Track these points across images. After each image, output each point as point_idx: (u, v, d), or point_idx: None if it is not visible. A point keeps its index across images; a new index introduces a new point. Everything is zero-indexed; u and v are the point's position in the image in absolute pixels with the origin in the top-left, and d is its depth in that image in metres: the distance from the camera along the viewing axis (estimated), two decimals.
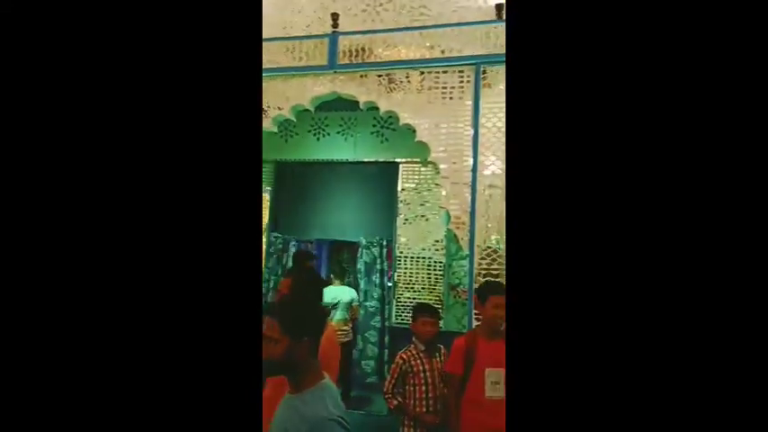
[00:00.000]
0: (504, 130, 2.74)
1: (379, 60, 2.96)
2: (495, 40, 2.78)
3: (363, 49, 2.99)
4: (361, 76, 2.99)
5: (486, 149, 2.76)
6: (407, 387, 2.19)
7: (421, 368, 2.17)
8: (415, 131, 2.88)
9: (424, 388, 2.15)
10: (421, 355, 2.20)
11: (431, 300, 3.93)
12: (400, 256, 4.15)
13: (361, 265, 4.44)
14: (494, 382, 1.83)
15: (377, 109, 3.00)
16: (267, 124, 3.08)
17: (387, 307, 4.31)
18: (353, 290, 4.19)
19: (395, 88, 2.93)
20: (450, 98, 2.84)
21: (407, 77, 2.91)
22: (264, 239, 4.53)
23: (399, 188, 4.23)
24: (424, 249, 4.11)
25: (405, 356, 2.22)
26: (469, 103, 2.80)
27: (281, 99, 3.08)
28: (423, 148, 2.90)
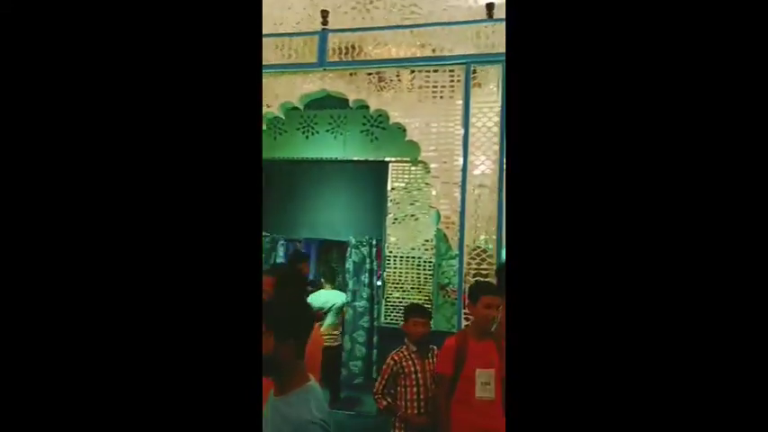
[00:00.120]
0: (494, 129, 2.74)
1: (369, 58, 2.94)
2: (486, 39, 2.78)
3: (353, 47, 2.96)
4: (351, 74, 2.96)
5: (476, 149, 2.76)
6: (399, 388, 2.17)
7: (412, 369, 2.16)
8: (405, 130, 2.87)
9: (415, 389, 2.13)
10: (413, 355, 2.19)
11: (420, 299, 3.93)
12: (389, 256, 4.14)
13: (349, 265, 4.41)
14: (484, 383, 1.82)
15: (367, 107, 2.98)
16: None
17: (376, 307, 4.29)
18: (344, 294, 4.17)
19: (385, 87, 2.91)
20: (441, 97, 2.83)
21: (398, 76, 2.90)
22: None
23: (389, 187, 4.21)
24: (413, 249, 4.10)
25: (396, 357, 2.21)
26: (460, 102, 2.80)
27: (270, 96, 3.04)
28: (413, 147, 2.89)
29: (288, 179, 4.55)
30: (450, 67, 2.83)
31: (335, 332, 3.97)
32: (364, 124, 4.30)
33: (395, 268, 4.12)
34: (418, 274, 4.07)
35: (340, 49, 2.97)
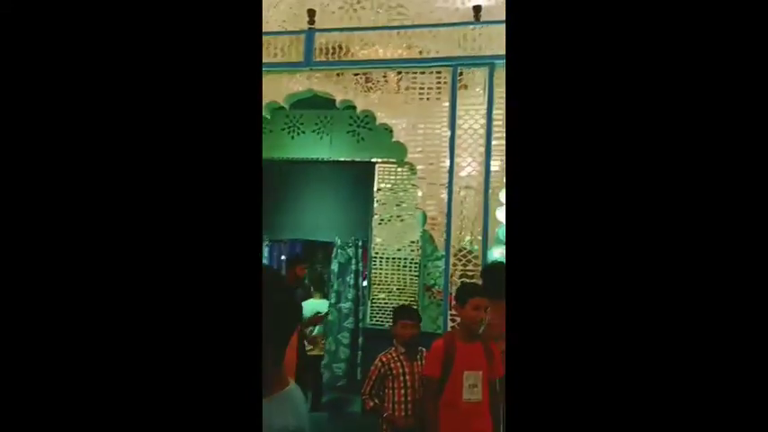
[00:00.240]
0: (480, 132, 2.76)
1: (355, 59, 2.93)
2: (473, 42, 2.80)
3: (340, 47, 2.95)
4: (338, 75, 2.95)
5: (462, 151, 2.78)
6: (387, 390, 2.17)
7: (400, 371, 2.16)
8: (391, 131, 2.86)
9: (402, 391, 2.13)
10: (401, 357, 2.19)
11: (406, 300, 3.93)
12: (375, 257, 4.13)
13: (335, 266, 4.39)
14: (471, 385, 1.83)
15: (353, 108, 2.97)
16: None
17: (361, 308, 4.28)
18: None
19: (372, 87, 2.90)
20: (428, 99, 2.84)
21: (384, 77, 2.89)
22: None
23: (375, 188, 4.20)
24: (399, 250, 4.10)
25: (384, 359, 2.20)
26: (446, 104, 2.81)
27: None
28: (399, 148, 2.89)
29: (273, 180, 4.51)
30: (437, 69, 2.84)
31: (323, 342, 3.96)
32: (351, 125, 4.28)
33: (381, 269, 4.11)
34: (404, 275, 4.07)
35: (327, 48, 2.95)
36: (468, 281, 2.50)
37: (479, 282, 2.41)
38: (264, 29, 3.04)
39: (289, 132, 4.45)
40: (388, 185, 4.18)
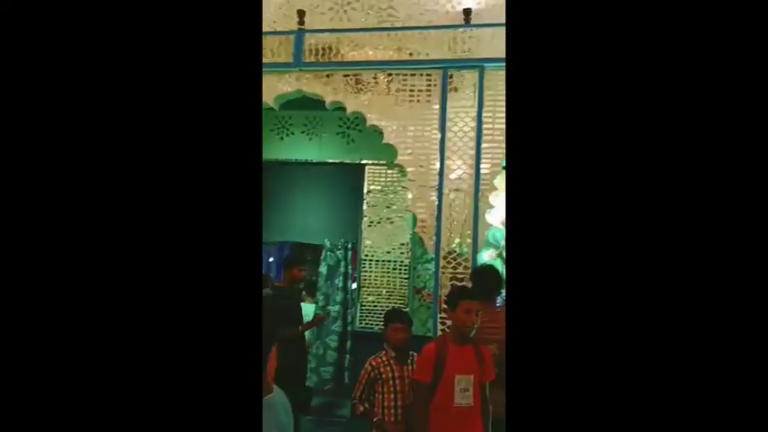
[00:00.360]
0: (470, 134, 2.77)
1: (345, 60, 2.91)
2: (463, 44, 2.80)
3: (330, 48, 2.93)
4: (328, 76, 2.93)
5: (452, 153, 2.77)
6: (376, 395, 2.14)
7: (390, 375, 2.13)
8: (382, 133, 2.85)
9: (392, 395, 2.11)
10: (391, 361, 2.16)
11: (395, 303, 3.91)
12: (365, 260, 4.11)
13: (323, 269, 4.35)
14: (463, 389, 1.81)
15: (343, 109, 2.95)
16: None
17: (350, 311, 4.25)
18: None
19: (362, 89, 2.89)
20: (418, 101, 2.83)
21: (375, 78, 2.88)
22: None
23: (365, 190, 4.18)
24: (389, 252, 4.08)
25: (374, 363, 2.17)
26: (437, 106, 2.81)
27: None
28: (389, 150, 2.88)
29: (262, 181, 4.45)
30: (428, 72, 2.84)
31: (310, 348, 3.92)
32: (340, 126, 4.26)
33: (370, 272, 4.09)
34: (394, 277, 4.06)
35: (316, 49, 2.93)
36: (461, 284, 2.49)
37: (469, 284, 2.40)
38: None
39: (278, 133, 4.41)
40: (378, 187, 4.16)
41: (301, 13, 2.96)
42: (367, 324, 4.06)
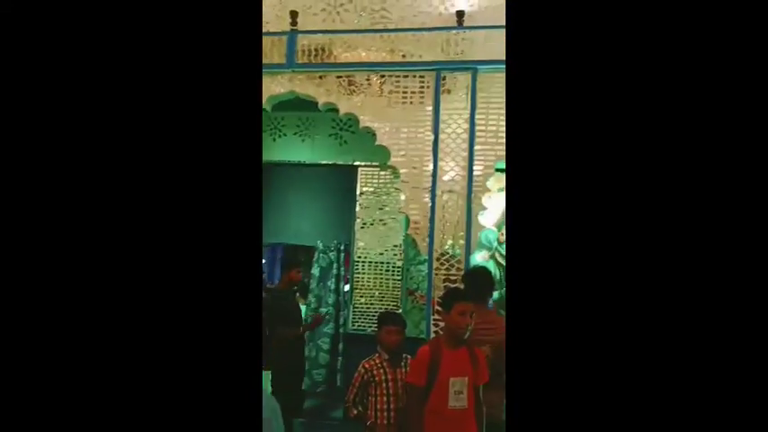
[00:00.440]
0: (463, 136, 2.77)
1: (338, 62, 2.90)
2: (455, 47, 2.80)
3: (323, 50, 2.92)
4: (321, 77, 2.92)
5: (445, 155, 2.78)
6: (369, 397, 2.13)
7: (383, 378, 2.12)
8: (374, 135, 2.85)
9: (385, 398, 2.10)
10: (384, 364, 2.15)
11: (388, 305, 3.90)
12: (358, 261, 4.10)
13: (316, 270, 4.33)
14: (457, 392, 1.81)
15: (336, 111, 2.94)
16: None
17: (342, 313, 4.23)
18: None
19: (355, 90, 2.88)
20: (411, 103, 2.83)
21: (368, 80, 2.88)
22: None
23: (358, 192, 4.17)
24: (381, 254, 4.07)
25: (367, 365, 2.16)
26: (430, 108, 2.81)
27: None
28: (382, 151, 2.87)
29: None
30: (421, 74, 2.84)
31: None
32: (333, 128, 4.25)
33: (363, 273, 4.08)
34: (387, 279, 4.05)
35: (309, 51, 2.92)
36: (454, 286, 2.49)
37: (461, 286, 2.41)
38: None
39: (270, 134, 4.38)
40: (371, 189, 4.16)
41: (294, 14, 2.95)
42: (360, 326, 4.05)
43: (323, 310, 4.24)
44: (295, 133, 4.33)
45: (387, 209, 4.10)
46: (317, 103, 2.94)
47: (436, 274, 2.73)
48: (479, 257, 3.38)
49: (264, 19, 3.01)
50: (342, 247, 4.33)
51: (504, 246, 3.45)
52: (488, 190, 2.80)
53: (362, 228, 4.12)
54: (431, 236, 2.73)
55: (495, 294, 3.11)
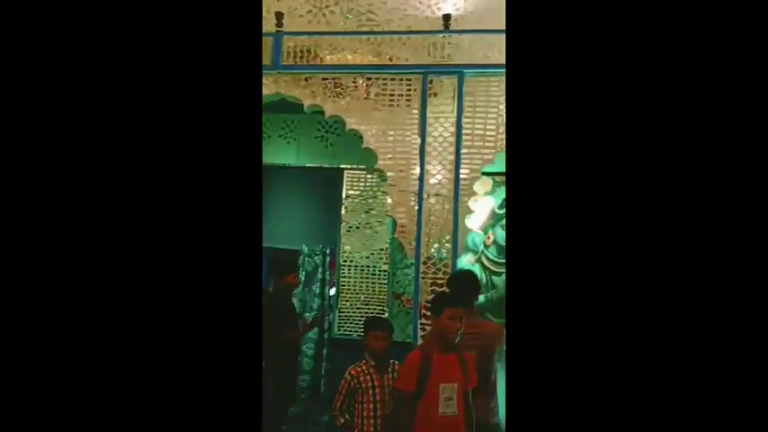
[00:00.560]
0: (450, 139, 2.77)
1: (324, 63, 2.88)
2: (442, 50, 2.81)
3: (309, 51, 2.89)
4: (306, 79, 2.89)
5: (432, 158, 2.77)
6: (356, 404, 2.10)
7: (370, 384, 2.09)
8: (361, 138, 2.83)
9: (372, 405, 2.07)
10: (371, 370, 2.12)
11: (374, 309, 3.88)
12: (343, 265, 4.06)
13: (301, 275, 4.28)
14: (447, 398, 1.79)
15: (322, 113, 2.91)
16: None
17: (327, 318, 4.19)
18: None
19: (341, 93, 2.86)
20: (398, 105, 2.82)
21: (354, 82, 2.86)
22: None
23: (344, 195, 4.14)
24: (367, 258, 4.05)
25: (354, 372, 2.13)
26: (416, 111, 2.80)
27: None
28: (368, 154, 2.85)
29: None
30: (407, 77, 2.83)
31: None
32: (319, 130, 4.21)
33: (349, 278, 4.05)
34: (373, 283, 4.02)
35: (295, 52, 2.89)
36: (442, 290, 2.48)
37: (446, 290, 2.40)
38: None
39: None
40: (357, 192, 4.13)
41: (279, 16, 2.91)
42: (345, 331, 4.01)
43: (307, 315, 4.18)
44: (280, 135, 4.28)
45: (373, 212, 4.08)
46: (302, 105, 2.91)
47: (423, 278, 2.71)
48: (465, 261, 3.38)
49: None
50: (327, 251, 4.29)
51: (491, 249, 3.46)
52: (475, 193, 2.80)
53: (348, 231, 4.09)
54: (418, 239, 2.72)
55: (481, 298, 3.11)
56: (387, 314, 3.86)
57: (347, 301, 4.03)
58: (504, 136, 2.73)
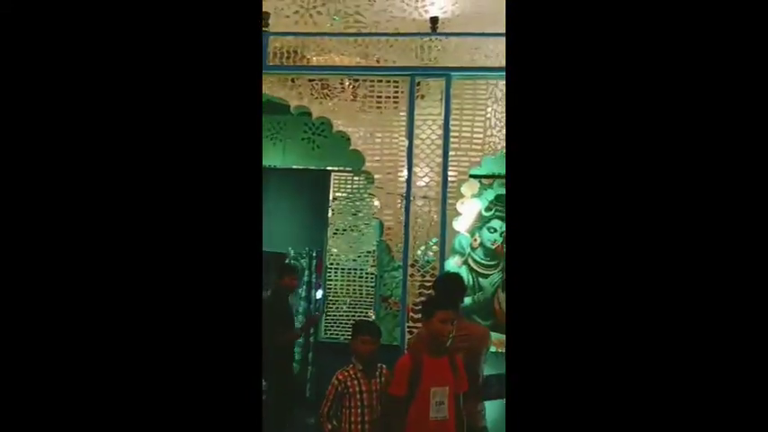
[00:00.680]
0: (437, 142, 2.77)
1: (311, 64, 2.85)
2: (429, 53, 2.80)
3: (295, 52, 2.86)
4: (293, 80, 2.86)
5: (420, 161, 2.77)
6: (344, 410, 2.07)
7: (357, 389, 2.06)
8: (348, 139, 2.81)
9: (359, 410, 2.04)
10: (358, 375, 2.09)
11: (361, 312, 3.85)
12: (330, 268, 4.03)
13: None
14: (438, 402, 1.77)
15: (308, 114, 2.89)
16: None
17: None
18: None
19: (328, 94, 2.83)
20: (386, 107, 2.81)
21: (341, 84, 2.84)
22: None
23: (330, 197, 4.11)
24: (354, 260, 4.02)
25: (341, 377, 2.10)
26: (404, 113, 2.79)
27: None
28: (356, 156, 2.83)
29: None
30: (395, 79, 2.82)
31: None
32: (306, 132, 4.18)
33: (335, 280, 4.02)
34: (360, 285, 4.00)
35: (281, 53, 2.85)
36: (427, 292, 2.47)
37: (432, 292, 2.39)
38: None
39: None
40: (344, 194, 4.11)
41: (266, 15, 2.88)
42: (332, 334, 3.97)
43: (295, 318, 4.14)
44: (266, 137, 4.23)
45: (360, 215, 4.06)
46: (288, 107, 2.87)
47: (411, 281, 2.70)
48: (453, 263, 3.38)
49: None
50: (314, 254, 4.25)
51: (478, 251, 3.47)
52: (462, 196, 2.80)
53: (335, 234, 4.06)
54: (405, 242, 2.71)
55: (468, 300, 3.11)
56: (374, 317, 3.84)
57: (334, 304, 4.00)
58: (491, 139, 2.74)
